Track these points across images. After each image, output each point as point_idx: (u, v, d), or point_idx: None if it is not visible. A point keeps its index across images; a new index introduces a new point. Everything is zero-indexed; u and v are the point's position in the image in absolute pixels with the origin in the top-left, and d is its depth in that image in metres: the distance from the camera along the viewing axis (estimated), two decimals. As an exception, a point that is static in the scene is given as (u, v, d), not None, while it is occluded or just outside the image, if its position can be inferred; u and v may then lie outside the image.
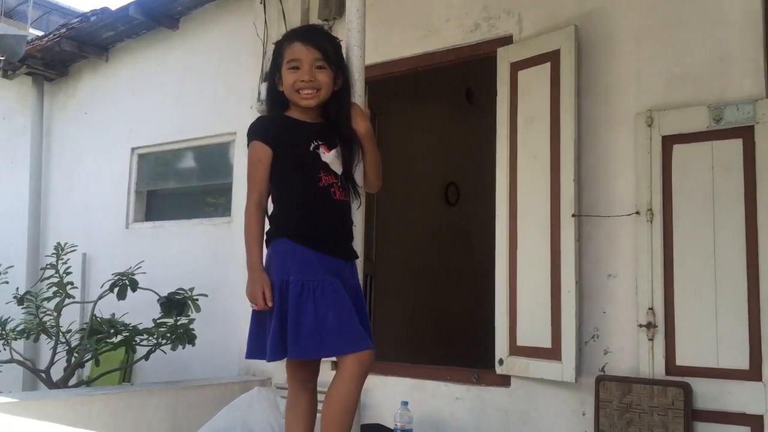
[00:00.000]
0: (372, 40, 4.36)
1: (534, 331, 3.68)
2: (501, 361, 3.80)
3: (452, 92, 6.50)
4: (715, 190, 3.28)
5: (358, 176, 2.24)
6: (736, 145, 3.24)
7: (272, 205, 2.20)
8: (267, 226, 2.17)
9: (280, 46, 2.25)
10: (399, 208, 5.85)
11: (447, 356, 5.25)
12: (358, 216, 2.20)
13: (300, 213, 2.14)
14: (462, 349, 5.53)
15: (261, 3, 5.01)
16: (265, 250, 2.16)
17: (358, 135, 2.23)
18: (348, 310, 2.05)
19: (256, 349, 2.11)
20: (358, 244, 2.20)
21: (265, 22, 4.97)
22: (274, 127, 2.19)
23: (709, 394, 3.16)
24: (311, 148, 2.15)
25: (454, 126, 6.57)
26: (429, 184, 6.36)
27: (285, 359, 2.09)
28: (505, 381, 3.82)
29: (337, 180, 2.17)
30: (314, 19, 4.75)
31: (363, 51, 2.23)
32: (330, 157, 2.16)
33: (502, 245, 3.90)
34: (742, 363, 3.12)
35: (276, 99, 2.26)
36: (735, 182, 3.23)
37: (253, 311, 2.12)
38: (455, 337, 6.04)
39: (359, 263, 2.20)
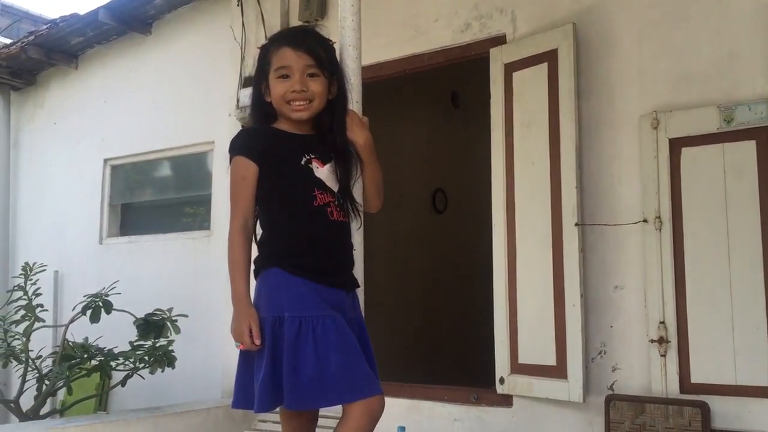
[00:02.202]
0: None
1: (537, 347, 3.47)
2: (502, 380, 3.59)
3: (437, 95, 6.30)
4: (727, 194, 3.09)
5: (357, 193, 1.99)
6: (749, 147, 3.06)
7: (259, 230, 1.95)
8: (254, 254, 1.92)
9: (266, 51, 1.99)
10: (385, 217, 5.61)
11: (440, 372, 5.03)
12: (357, 238, 1.95)
13: (293, 238, 1.88)
14: (456, 364, 5.31)
15: (238, 5, 4.76)
16: (252, 283, 1.91)
17: (356, 147, 1.99)
18: (354, 350, 1.80)
19: (245, 397, 1.85)
20: (359, 270, 1.95)
21: (243, 24, 4.73)
22: (260, 141, 1.94)
23: (728, 413, 2.97)
24: (303, 163, 1.91)
25: (440, 130, 6.36)
26: (416, 191, 6.14)
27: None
28: (506, 401, 3.60)
29: (333, 198, 1.92)
30: (294, 21, 4.52)
31: (359, 51, 1.98)
32: (324, 172, 1.92)
33: (500, 257, 3.68)
34: (763, 379, 2.93)
35: (263, 110, 2.00)
36: (749, 186, 3.04)
37: (241, 353, 1.86)
38: (448, 351, 5.81)
39: (360, 292, 1.95)
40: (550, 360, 3.39)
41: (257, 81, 2.01)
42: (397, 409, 3.84)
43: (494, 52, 3.83)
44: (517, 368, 3.55)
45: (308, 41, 1.96)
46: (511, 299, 3.61)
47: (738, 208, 3.06)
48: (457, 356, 5.70)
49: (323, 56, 1.95)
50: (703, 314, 3.09)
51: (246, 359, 1.87)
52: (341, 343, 1.78)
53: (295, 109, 1.93)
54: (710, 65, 3.21)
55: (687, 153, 3.21)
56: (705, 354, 3.06)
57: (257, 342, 1.79)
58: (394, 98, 5.55)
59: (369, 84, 4.39)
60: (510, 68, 3.75)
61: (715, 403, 2.97)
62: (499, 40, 3.85)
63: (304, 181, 1.90)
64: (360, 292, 1.96)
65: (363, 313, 1.95)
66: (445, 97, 6.39)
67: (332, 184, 1.94)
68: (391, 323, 5.58)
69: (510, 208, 3.67)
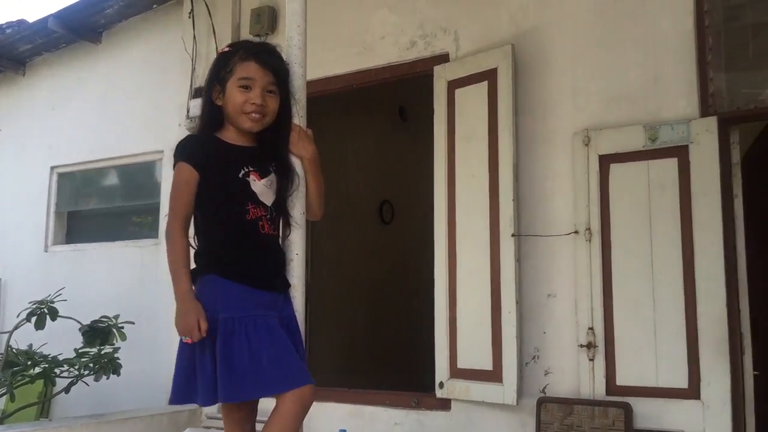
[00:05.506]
0: (305, 56, 4.29)
1: (475, 352, 3.62)
2: (441, 385, 3.72)
3: (385, 109, 6.45)
4: (651, 209, 3.30)
5: (298, 205, 2.09)
6: (672, 164, 3.28)
7: (197, 236, 2.05)
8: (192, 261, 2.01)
9: (228, 58, 2.06)
10: (333, 228, 5.73)
11: (385, 379, 5.14)
12: (299, 245, 2.06)
13: (227, 249, 1.99)
14: (401, 372, 5.43)
15: (189, 17, 4.84)
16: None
17: (303, 160, 2.10)
18: (284, 345, 1.92)
19: (183, 393, 1.94)
20: (298, 275, 2.06)
21: (194, 37, 4.80)
22: (204, 149, 2.02)
23: (649, 413, 3.16)
24: (240, 175, 2.01)
25: (388, 144, 6.51)
26: (363, 203, 6.26)
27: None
28: (445, 405, 3.74)
29: (266, 212, 2.02)
30: (245, 35, 4.61)
31: (304, 69, 2.11)
32: (260, 186, 2.02)
33: (441, 266, 3.83)
34: (681, 382, 3.13)
35: (212, 114, 2.08)
36: (671, 201, 3.26)
37: (180, 351, 1.96)
38: (393, 358, 5.94)
39: (299, 294, 2.05)
40: (487, 365, 3.55)
41: (210, 84, 2.08)
42: (339, 414, 3.94)
43: (438, 70, 4.00)
44: (456, 373, 3.69)
45: (274, 60, 2.08)
46: (451, 306, 3.75)
47: (661, 221, 3.27)
48: (402, 362, 5.82)
49: (283, 76, 2.08)
50: (629, 320, 3.28)
51: (185, 356, 1.95)
52: (272, 339, 1.90)
53: (251, 120, 2.02)
54: (637, 87, 3.43)
55: (615, 169, 3.41)
56: (629, 358, 3.25)
57: (204, 335, 1.88)
58: (343, 111, 5.68)
59: (319, 97, 4.57)
60: (453, 85, 3.93)
61: (637, 404, 3.16)
62: (443, 58, 4.02)
63: (239, 194, 2.00)
64: (300, 295, 2.06)
65: (304, 316, 2.05)
66: (393, 110, 6.54)
67: (267, 199, 2.03)
68: (337, 331, 5.68)
69: (451, 219, 3.83)
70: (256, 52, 2.05)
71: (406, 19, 4.16)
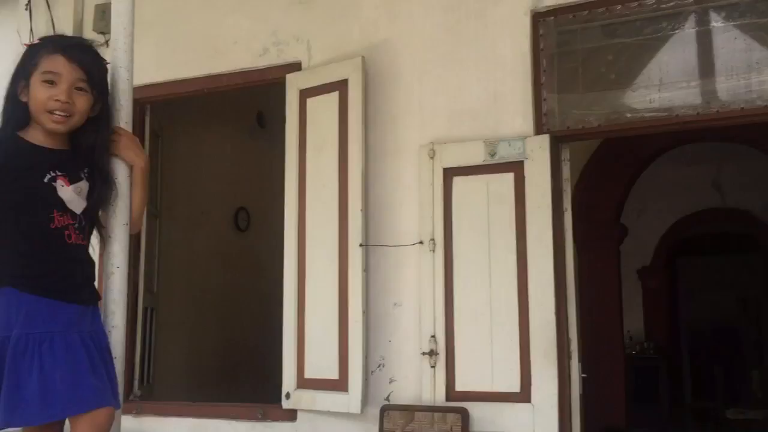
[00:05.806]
0: (153, 58, 4.14)
1: (322, 362, 3.63)
2: (288, 395, 3.70)
3: (243, 115, 6.34)
4: (490, 221, 3.45)
5: (120, 215, 1.98)
6: (509, 178, 3.44)
7: None
8: None
9: (35, 51, 1.92)
10: (185, 235, 5.55)
11: (238, 391, 5.05)
12: (121, 258, 1.95)
13: (27, 259, 1.84)
14: (252, 383, 5.35)
15: (26, 9, 4.53)
16: None
17: (136, 168, 1.98)
18: (80, 365, 1.78)
19: None
20: (119, 289, 1.95)
21: (31, 30, 4.50)
22: (1, 150, 1.87)
23: (484, 417, 3.29)
24: (46, 180, 1.86)
25: (245, 150, 6.40)
26: (218, 210, 6.11)
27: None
28: (291, 416, 3.72)
29: (74, 221, 1.89)
30: (88, 32, 4.38)
31: (131, 73, 2.01)
32: (68, 192, 1.88)
33: (290, 275, 3.82)
34: (514, 386, 3.29)
35: (14, 111, 1.91)
36: (508, 214, 3.42)
37: None
38: (245, 370, 5.83)
39: (120, 309, 1.94)
40: (334, 374, 3.56)
41: (15, 78, 1.92)
42: (180, 429, 3.82)
43: (290, 78, 3.98)
44: (303, 383, 3.68)
45: (85, 55, 1.94)
46: (300, 316, 3.74)
47: (498, 232, 3.43)
48: (255, 374, 5.73)
49: (96, 74, 1.94)
50: (468, 328, 3.41)
51: None
52: (68, 359, 1.78)
53: (54, 120, 1.88)
54: (479, 104, 3.58)
55: (458, 182, 3.54)
56: (468, 364, 3.38)
57: None
58: (198, 115, 5.52)
59: (168, 101, 4.43)
60: (305, 94, 3.92)
61: (474, 408, 3.28)
62: (295, 67, 4.01)
63: (43, 200, 1.86)
64: (120, 310, 1.94)
65: (125, 332, 1.95)
66: (250, 116, 6.44)
67: (76, 206, 1.90)
68: (187, 342, 5.50)
69: (301, 228, 3.82)
70: (66, 46, 1.92)
71: (258, 25, 4.12)
